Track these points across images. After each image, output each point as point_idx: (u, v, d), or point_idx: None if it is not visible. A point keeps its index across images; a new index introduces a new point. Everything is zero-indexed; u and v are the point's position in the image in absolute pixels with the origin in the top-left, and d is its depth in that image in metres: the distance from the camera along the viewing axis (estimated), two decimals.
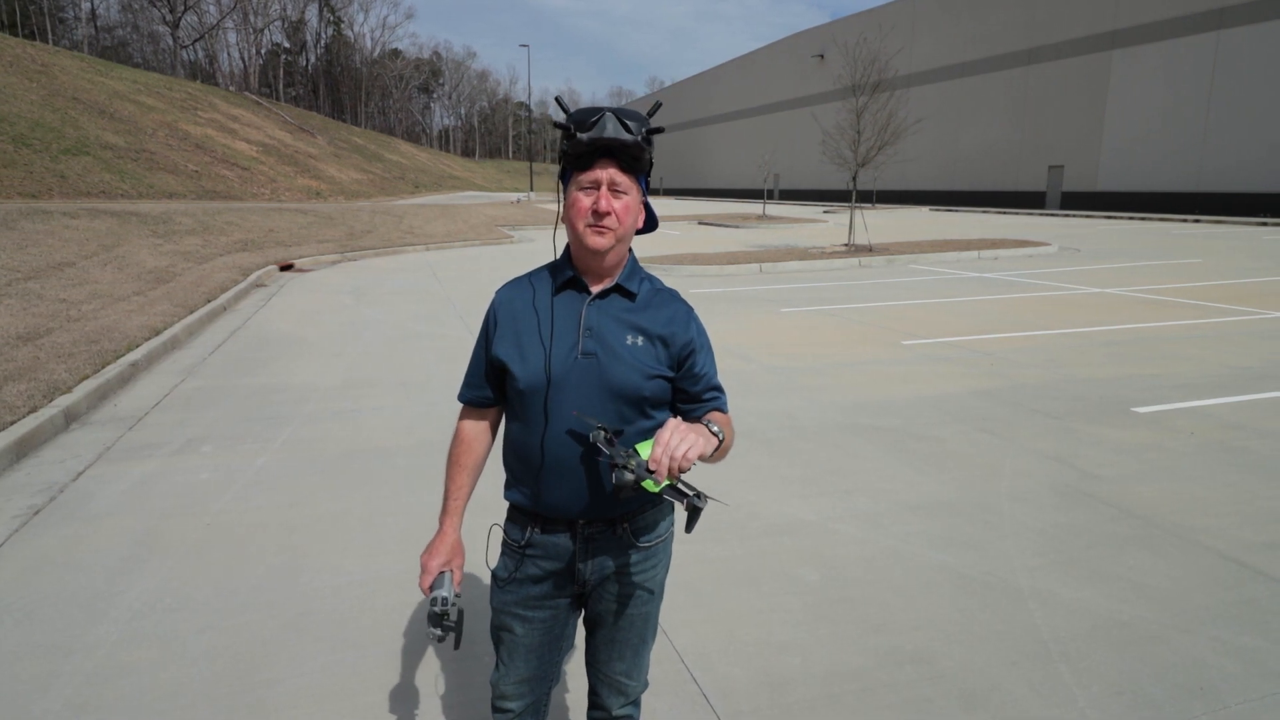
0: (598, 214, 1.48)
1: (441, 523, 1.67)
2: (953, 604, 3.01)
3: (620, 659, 1.72)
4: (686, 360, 1.60)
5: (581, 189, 1.49)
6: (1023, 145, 37.09)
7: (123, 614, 2.99)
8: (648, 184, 1.57)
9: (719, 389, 1.66)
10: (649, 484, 1.33)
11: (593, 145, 1.45)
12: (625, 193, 1.50)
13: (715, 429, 1.47)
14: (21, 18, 74.03)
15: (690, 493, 1.33)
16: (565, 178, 1.54)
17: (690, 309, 1.65)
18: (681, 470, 1.31)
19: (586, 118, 1.45)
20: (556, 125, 1.50)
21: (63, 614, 2.99)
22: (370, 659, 2.71)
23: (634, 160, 1.48)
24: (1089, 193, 33.89)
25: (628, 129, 1.44)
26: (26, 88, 26.57)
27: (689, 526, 1.37)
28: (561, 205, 1.58)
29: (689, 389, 1.61)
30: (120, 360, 6.69)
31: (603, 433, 1.43)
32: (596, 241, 1.50)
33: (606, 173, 1.47)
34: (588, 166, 1.48)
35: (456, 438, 1.71)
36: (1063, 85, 34.75)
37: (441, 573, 1.63)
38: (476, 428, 1.70)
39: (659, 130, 1.52)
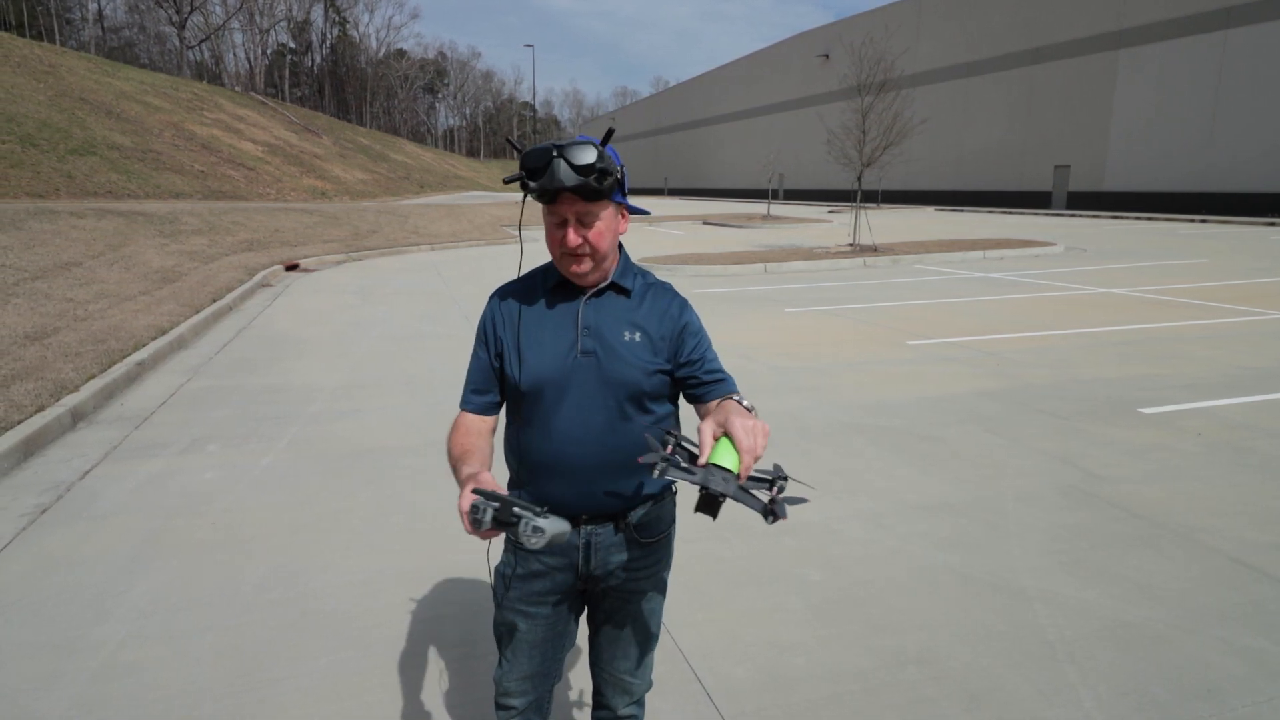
0: (568, 245, 1.48)
1: (460, 475, 1.51)
2: (957, 604, 3.00)
3: (625, 657, 1.73)
4: (682, 347, 1.59)
5: (551, 222, 1.49)
6: (1028, 145, 36.98)
7: (128, 613, 3.00)
8: (624, 189, 1.54)
9: (723, 372, 1.62)
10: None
11: (546, 191, 1.42)
12: (595, 219, 1.48)
13: (746, 404, 1.42)
14: (29, 18, 74.37)
15: (771, 484, 1.24)
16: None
17: (684, 300, 1.65)
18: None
19: (537, 163, 1.41)
20: (506, 181, 1.47)
21: (68, 612, 3.00)
22: (374, 657, 2.72)
23: (594, 193, 1.44)
24: (1095, 192, 33.76)
25: (578, 170, 1.39)
26: (34, 88, 26.68)
27: (777, 516, 1.23)
28: (524, 212, 1.58)
29: (688, 375, 1.59)
30: (127, 360, 6.71)
31: (667, 447, 1.29)
32: (576, 269, 1.52)
33: (572, 209, 1.46)
34: (551, 202, 1.46)
35: (459, 445, 1.59)
36: (1068, 85, 34.64)
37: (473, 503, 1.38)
38: (480, 433, 1.63)
39: (611, 173, 1.43)
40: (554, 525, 1.27)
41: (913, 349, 7.57)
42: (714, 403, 1.56)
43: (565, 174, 1.39)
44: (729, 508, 3.89)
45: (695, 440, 1.35)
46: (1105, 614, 2.91)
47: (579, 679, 2.57)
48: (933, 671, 2.59)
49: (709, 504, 1.22)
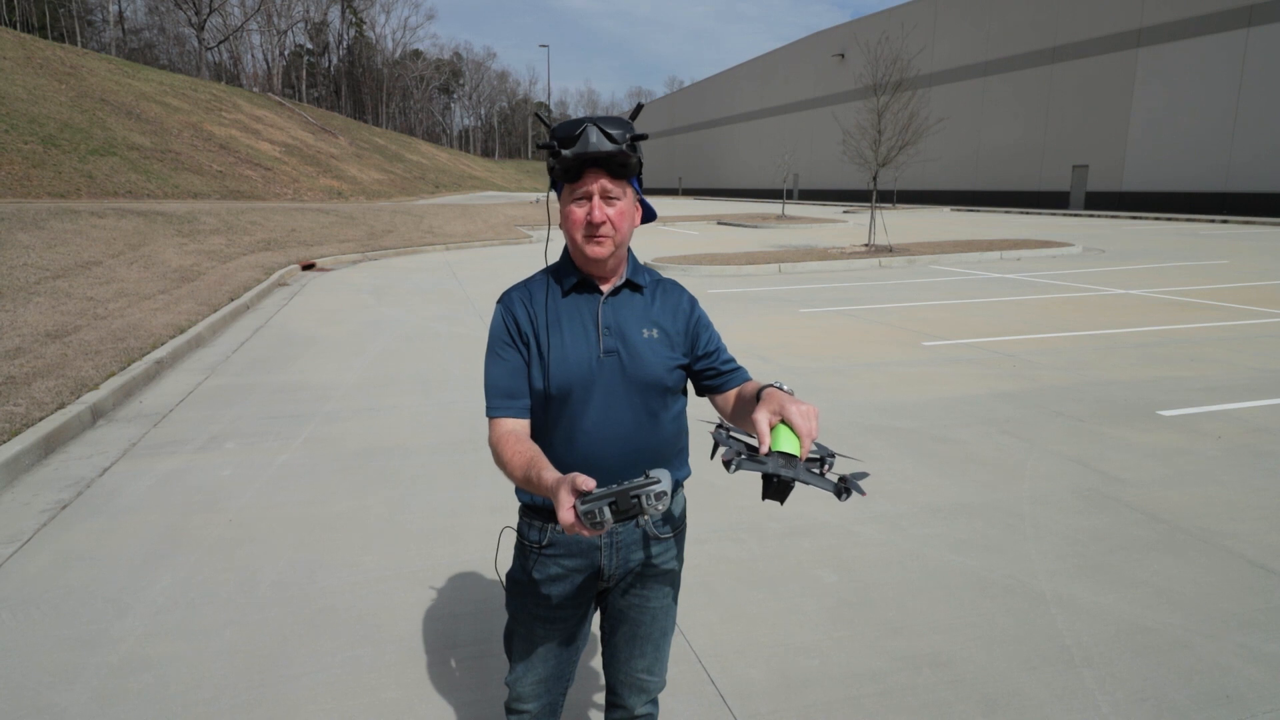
0: (593, 225, 1.48)
1: (545, 483, 1.37)
2: (973, 607, 2.98)
3: (642, 655, 1.72)
4: (698, 341, 1.63)
5: (574, 201, 1.49)
6: (1046, 144, 36.68)
7: (147, 608, 3.03)
8: (640, 182, 1.57)
9: (735, 360, 1.69)
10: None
11: (579, 160, 1.43)
12: (618, 199, 1.49)
13: (786, 388, 1.41)
14: (51, 20, 75.32)
15: (820, 462, 1.30)
16: (558, 187, 1.54)
17: (691, 295, 1.69)
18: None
19: (570, 132, 1.44)
20: (540, 146, 1.48)
21: (88, 608, 3.04)
22: (389, 655, 2.73)
23: (622, 167, 1.46)
24: (1114, 192, 33.44)
25: (611, 139, 1.43)
26: (56, 89, 27.01)
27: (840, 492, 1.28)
28: (551, 210, 1.58)
29: (707, 367, 1.64)
30: (146, 358, 6.78)
31: (725, 433, 1.39)
32: (596, 251, 1.51)
33: (597, 183, 1.46)
34: (577, 178, 1.47)
35: (521, 455, 1.47)
36: (1087, 84, 34.33)
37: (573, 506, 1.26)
38: (528, 436, 1.55)
39: (643, 137, 1.48)
40: (666, 479, 1.21)
41: (928, 350, 7.53)
42: (733, 391, 1.63)
43: (599, 140, 1.42)
44: (738, 505, 3.88)
45: (740, 430, 1.46)
46: (1123, 618, 2.88)
47: (589, 677, 2.57)
48: (948, 675, 2.57)
49: (780, 490, 1.27)
